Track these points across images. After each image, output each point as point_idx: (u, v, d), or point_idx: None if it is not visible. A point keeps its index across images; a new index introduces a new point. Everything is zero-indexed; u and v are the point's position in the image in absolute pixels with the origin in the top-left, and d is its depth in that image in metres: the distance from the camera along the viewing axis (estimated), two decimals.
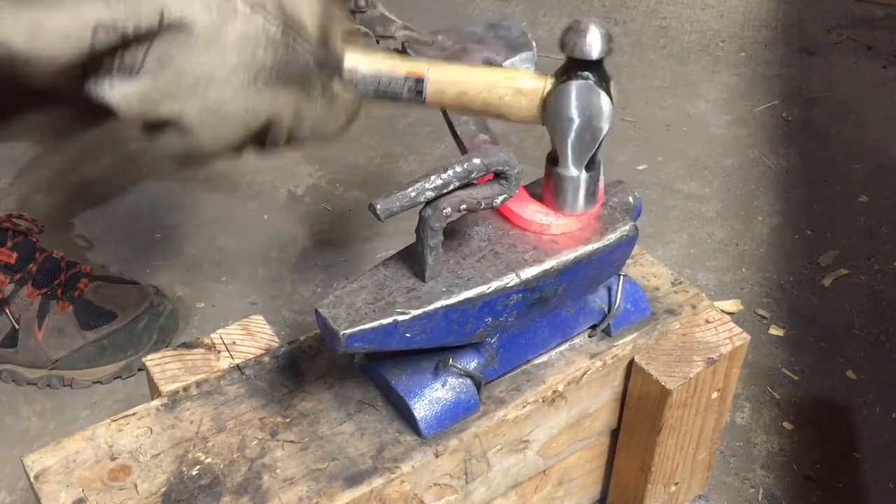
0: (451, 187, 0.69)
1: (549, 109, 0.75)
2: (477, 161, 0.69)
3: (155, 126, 0.75)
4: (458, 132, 0.80)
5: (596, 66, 0.74)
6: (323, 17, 0.76)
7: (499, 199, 0.72)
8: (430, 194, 0.68)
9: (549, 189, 0.79)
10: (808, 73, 1.99)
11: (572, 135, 0.75)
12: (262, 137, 0.78)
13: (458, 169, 0.68)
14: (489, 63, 0.92)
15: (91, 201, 1.54)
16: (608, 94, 0.74)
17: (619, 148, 1.73)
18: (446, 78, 0.76)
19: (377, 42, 0.92)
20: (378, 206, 0.67)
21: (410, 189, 0.68)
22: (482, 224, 0.79)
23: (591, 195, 0.79)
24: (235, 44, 0.72)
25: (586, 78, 0.73)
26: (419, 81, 0.76)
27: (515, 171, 0.71)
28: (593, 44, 0.72)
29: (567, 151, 0.76)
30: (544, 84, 0.75)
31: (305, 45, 0.74)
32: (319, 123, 0.79)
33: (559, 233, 0.78)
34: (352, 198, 1.58)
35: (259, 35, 0.72)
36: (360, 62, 0.77)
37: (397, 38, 0.92)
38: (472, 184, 0.71)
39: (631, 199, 0.84)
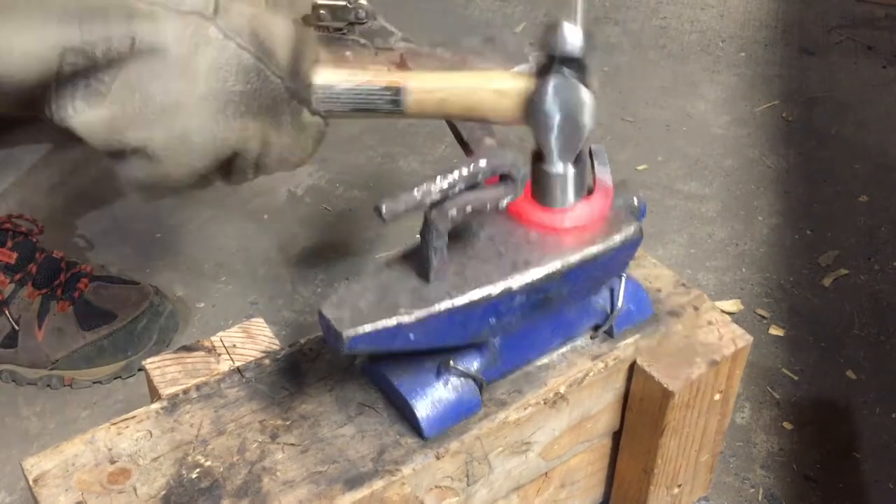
0: (457, 189, 0.69)
1: (531, 107, 0.74)
2: (483, 163, 0.69)
3: (117, 154, 0.73)
4: (463, 135, 0.80)
5: (576, 62, 0.74)
6: (295, 45, 0.75)
7: (505, 201, 0.71)
8: (436, 196, 0.68)
9: (536, 186, 0.78)
10: (808, 73, 1.99)
11: (555, 131, 0.75)
12: (229, 167, 0.77)
13: (465, 171, 0.68)
14: None
15: (91, 201, 1.54)
16: (589, 88, 0.74)
17: (619, 148, 1.73)
18: (426, 86, 0.76)
19: (376, 54, 0.91)
20: (383, 208, 0.66)
21: (416, 191, 0.67)
22: (487, 225, 0.79)
23: (579, 190, 0.78)
24: (207, 72, 0.70)
25: (565, 74, 0.73)
26: (397, 92, 0.75)
27: (522, 172, 0.71)
28: (569, 40, 0.73)
29: (552, 148, 0.76)
30: (525, 84, 0.75)
31: (277, 73, 0.73)
32: (287, 153, 0.78)
33: (571, 225, 0.78)
34: (352, 198, 1.58)
35: (231, 63, 0.71)
36: (335, 78, 0.76)
37: (396, 50, 0.91)
38: (478, 185, 0.70)
39: (635, 201, 0.84)
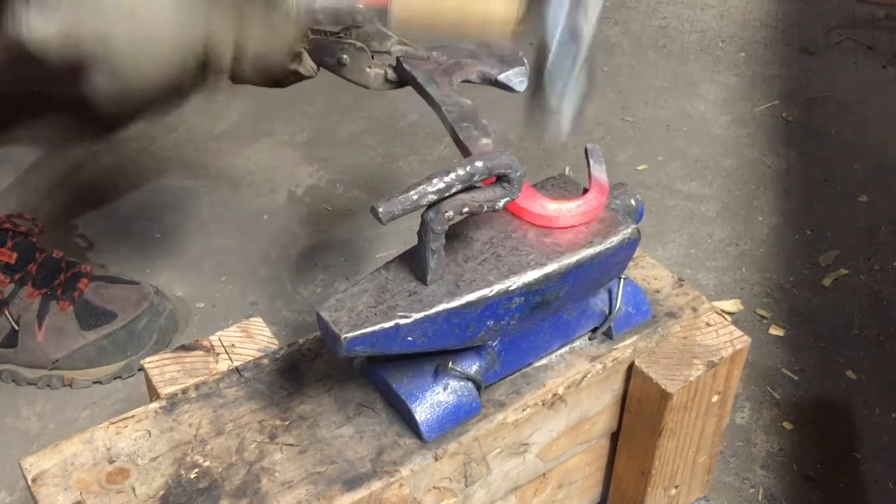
0: (454, 190, 0.69)
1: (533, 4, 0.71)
2: (479, 164, 0.69)
3: (79, 67, 0.67)
4: (460, 136, 0.80)
5: None
6: None
7: (501, 202, 0.71)
8: (433, 197, 0.68)
9: (532, 112, 0.75)
10: (808, 73, 1.98)
11: (564, 19, 0.71)
12: (201, 71, 0.71)
13: (461, 172, 0.68)
14: (484, 77, 0.92)
15: (91, 201, 1.54)
16: None
17: (619, 148, 1.73)
18: (414, 5, 0.73)
19: (372, 57, 0.91)
20: (380, 209, 0.66)
21: (412, 192, 0.67)
22: (484, 227, 0.79)
23: (579, 116, 0.76)
24: None
25: None
26: (382, 13, 0.73)
27: (518, 173, 0.71)
28: None
29: (557, 40, 0.72)
30: None
31: None
32: (263, 47, 0.72)
33: (567, 225, 0.78)
34: (352, 198, 1.58)
35: None
36: None
37: (392, 53, 0.92)
38: (475, 186, 0.70)
39: (633, 202, 0.84)
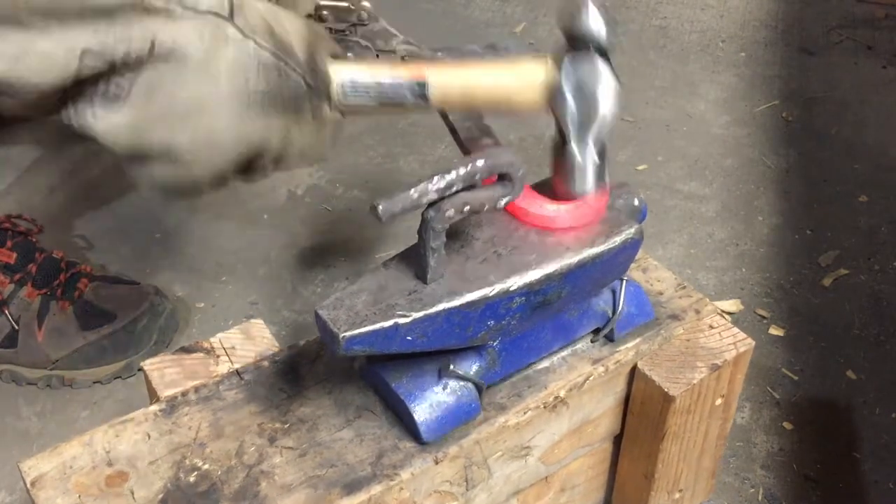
0: (455, 189, 0.68)
1: (554, 88, 0.74)
2: (481, 163, 0.69)
3: (139, 158, 0.72)
4: (461, 136, 0.80)
5: (598, 46, 0.73)
6: (310, 40, 0.75)
7: (502, 202, 0.71)
8: (433, 196, 0.68)
9: (557, 171, 0.77)
10: (808, 73, 1.98)
11: (577, 109, 0.74)
12: (250, 164, 0.76)
13: (462, 171, 0.68)
14: None
15: (91, 201, 1.54)
16: (610, 67, 0.73)
17: (619, 148, 1.72)
18: (449, 76, 0.76)
19: (377, 56, 0.91)
20: (379, 208, 0.66)
21: (413, 191, 0.67)
22: (485, 226, 0.78)
23: (600, 178, 0.77)
24: (228, 71, 0.70)
25: (589, 51, 0.73)
26: (421, 85, 0.75)
27: (520, 172, 0.71)
28: (593, 20, 0.73)
29: (575, 127, 0.75)
30: (547, 68, 0.74)
31: (296, 69, 0.73)
32: (307, 147, 0.78)
33: (567, 225, 0.78)
34: (352, 198, 1.58)
35: (251, 62, 0.71)
36: (359, 73, 0.76)
37: (398, 53, 0.91)
38: (476, 185, 0.70)
39: (636, 202, 0.84)
